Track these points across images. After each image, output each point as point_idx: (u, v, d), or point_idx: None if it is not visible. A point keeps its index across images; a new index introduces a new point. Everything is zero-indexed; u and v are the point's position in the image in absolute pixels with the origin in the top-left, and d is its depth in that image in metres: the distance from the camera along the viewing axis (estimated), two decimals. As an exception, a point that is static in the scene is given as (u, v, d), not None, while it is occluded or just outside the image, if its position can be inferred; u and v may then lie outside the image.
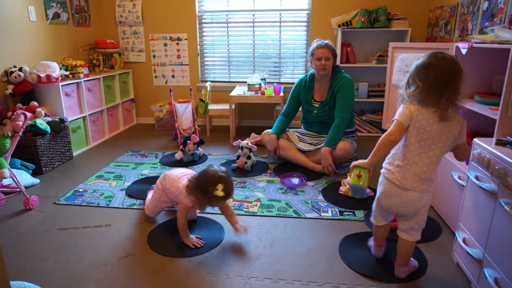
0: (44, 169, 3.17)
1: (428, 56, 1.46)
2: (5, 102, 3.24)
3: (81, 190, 2.83)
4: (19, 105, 3.31)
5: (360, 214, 2.41)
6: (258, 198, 2.66)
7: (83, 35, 4.32)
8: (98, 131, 4.11)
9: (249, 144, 3.23)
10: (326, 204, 2.56)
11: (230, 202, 2.61)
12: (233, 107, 4.17)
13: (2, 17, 3.21)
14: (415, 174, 1.51)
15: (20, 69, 3.28)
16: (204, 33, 4.69)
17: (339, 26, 4.11)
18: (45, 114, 3.29)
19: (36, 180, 2.98)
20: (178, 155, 3.46)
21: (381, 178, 1.65)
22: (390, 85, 3.32)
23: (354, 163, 1.61)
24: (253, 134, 4.02)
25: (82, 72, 3.77)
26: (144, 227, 2.29)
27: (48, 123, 3.22)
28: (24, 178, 2.90)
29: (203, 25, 4.65)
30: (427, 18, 4.04)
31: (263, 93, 3.96)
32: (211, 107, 4.38)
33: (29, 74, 3.34)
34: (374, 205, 1.78)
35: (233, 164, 3.25)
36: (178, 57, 4.71)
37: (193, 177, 1.97)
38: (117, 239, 2.15)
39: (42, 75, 3.35)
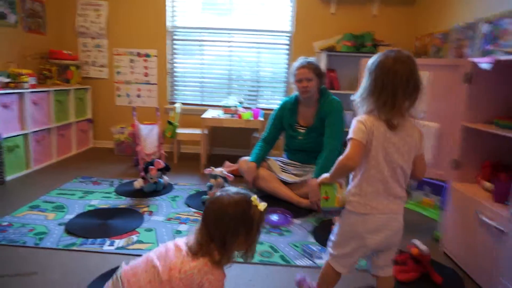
0: (-39, 195, 2.49)
1: (380, 55, 1.31)
2: None
3: (4, 223, 2.19)
4: None
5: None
6: (235, 239, 2.15)
7: (34, 42, 3.76)
8: (43, 152, 3.46)
9: (224, 172, 2.75)
10: (320, 248, 2.08)
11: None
12: (205, 131, 3.70)
13: None
14: (393, 194, 1.32)
15: None
16: (176, 51, 4.27)
17: (321, 50, 3.84)
18: (-28, 127, 2.66)
19: None
20: (138, 183, 2.89)
21: (352, 217, 1.36)
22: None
23: (317, 180, 1.44)
24: (227, 163, 3.53)
25: (28, 82, 3.19)
26: (83, 276, 1.70)
27: (-26, 138, 2.58)
28: None
29: (175, 42, 4.24)
30: (413, 47, 3.87)
31: (240, 117, 3.54)
32: (180, 131, 3.88)
33: (-44, 78, 2.73)
34: (339, 250, 1.42)
35: (204, 196, 2.73)
36: (146, 75, 4.24)
37: (212, 225, 1.21)
38: (40, 296, 1.55)
39: (-27, 80, 2.75)
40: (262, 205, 1.23)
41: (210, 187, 2.75)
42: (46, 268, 1.75)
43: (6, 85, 3.03)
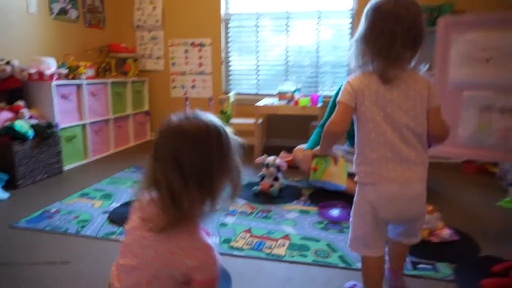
0: (20, 182, 2.54)
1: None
2: (-15, 100, 2.71)
3: (52, 210, 2.16)
4: (2, 104, 2.76)
5: (445, 269, 1.54)
6: (287, 235, 1.86)
7: (94, 36, 3.84)
8: (101, 143, 3.51)
9: (277, 161, 2.47)
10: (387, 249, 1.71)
11: (247, 237, 1.83)
12: (260, 121, 3.46)
13: (-7, 4, 2.76)
14: (405, 159, 1.13)
15: (8, 63, 2.77)
16: (230, 38, 4.10)
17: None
18: (30, 116, 2.71)
19: (5, 195, 2.35)
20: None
21: (362, 189, 1.19)
22: (445, 84, 2.14)
23: (312, 151, 1.41)
24: (282, 153, 3.25)
25: (85, 73, 3.23)
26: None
27: (32, 126, 2.63)
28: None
29: (230, 29, 4.07)
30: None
31: (296, 103, 3.23)
32: (234, 121, 3.69)
33: (19, 69, 2.82)
34: (358, 230, 1.22)
35: (256, 187, 2.48)
36: (200, 65, 4.13)
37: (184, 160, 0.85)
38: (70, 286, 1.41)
39: (32, 71, 2.82)
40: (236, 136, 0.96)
41: (262, 177, 2.50)
42: (81, 257, 1.64)
43: (65, 77, 3.09)
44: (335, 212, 2.14)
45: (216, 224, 1.98)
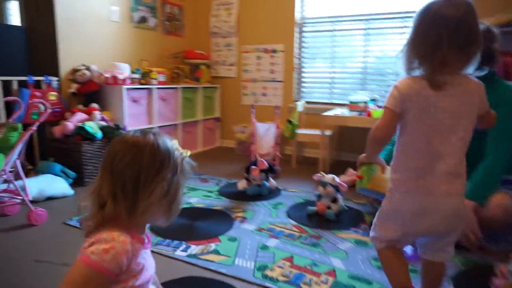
0: (86, 179, 2.68)
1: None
2: (67, 101, 2.93)
3: (104, 211, 2.19)
4: (80, 106, 2.97)
5: None
6: (333, 270, 1.58)
7: (172, 43, 3.98)
8: (168, 147, 3.58)
9: (336, 180, 2.18)
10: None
11: (286, 266, 1.60)
12: (329, 133, 3.18)
13: (79, 14, 2.99)
14: (447, 171, 1.06)
15: (88, 68, 2.97)
16: (304, 44, 3.89)
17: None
18: (102, 118, 2.86)
19: (70, 191, 2.48)
20: (241, 184, 2.60)
21: (394, 197, 1.14)
22: None
23: (358, 159, 1.35)
24: (350, 170, 2.91)
25: (156, 78, 3.33)
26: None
27: (101, 128, 2.77)
28: (57, 186, 2.43)
29: (304, 34, 3.86)
30: None
31: (369, 115, 2.87)
32: (301, 131, 3.46)
33: (97, 74, 3.01)
34: (382, 235, 1.19)
35: (310, 207, 2.22)
36: (271, 72, 3.99)
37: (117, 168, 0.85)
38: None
39: (107, 75, 2.98)
40: (185, 151, 0.93)
41: (319, 197, 2.23)
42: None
43: (137, 82, 3.22)
44: (407, 249, 1.77)
45: (257, 245, 1.79)
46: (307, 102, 3.75)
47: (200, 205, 2.34)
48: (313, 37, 3.85)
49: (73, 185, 2.60)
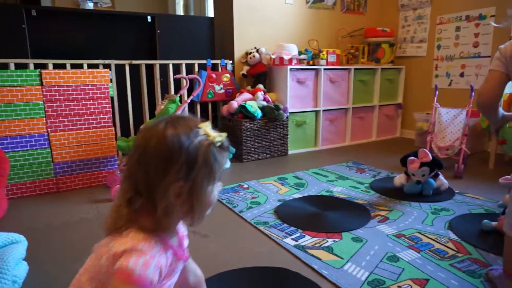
0: (244, 156, 2.81)
1: None
2: (238, 83, 3.15)
3: (244, 186, 2.23)
4: (248, 87, 3.13)
5: None
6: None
7: (349, 21, 3.68)
8: (334, 133, 3.35)
9: (535, 187, 1.44)
10: None
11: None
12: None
13: (257, 1, 3.14)
14: None
15: (257, 51, 3.10)
16: (530, 3, 2.81)
17: None
18: (264, 98, 2.93)
19: (226, 165, 2.65)
20: (399, 179, 2.11)
21: None
22: None
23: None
24: None
25: (325, 59, 3.15)
26: (234, 263, 1.36)
27: (261, 108, 2.83)
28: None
29: (530, -12, 2.79)
30: None
31: None
32: None
33: (264, 56, 3.10)
34: None
35: (487, 221, 1.57)
36: (475, 45, 3.10)
37: (135, 161, 0.71)
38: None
39: (273, 56, 3.02)
40: (216, 136, 0.71)
41: (503, 209, 1.54)
42: (220, 235, 1.56)
43: (304, 62, 3.13)
44: None
45: (385, 253, 1.38)
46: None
47: (341, 195, 2.04)
48: (546, -9, 2.73)
49: (232, 159, 2.79)
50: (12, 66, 2.28)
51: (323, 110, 3.21)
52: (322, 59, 3.14)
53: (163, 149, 0.67)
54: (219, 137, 0.72)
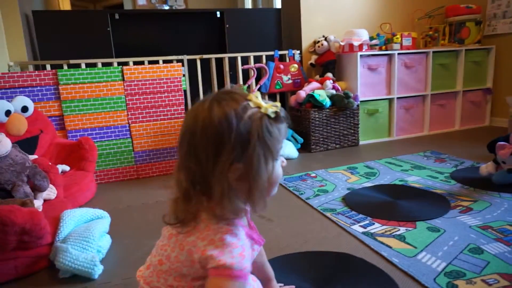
0: (313, 146, 2.76)
1: None
2: (306, 72, 3.11)
3: (312, 175, 2.19)
4: (317, 76, 3.07)
5: None
6: None
7: (428, 1, 3.38)
8: (411, 122, 3.12)
9: None
10: None
11: (494, 286, 1.05)
12: None
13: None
14: None
15: (326, 39, 3.02)
16: None
17: None
18: (333, 86, 2.84)
19: (295, 155, 2.64)
20: (486, 168, 1.89)
21: None
22: None
23: None
24: None
25: (399, 43, 2.94)
26: (293, 245, 1.35)
27: (331, 96, 2.75)
28: (286, 149, 2.64)
29: None
30: None
31: None
32: None
33: (333, 43, 3.00)
34: None
35: None
36: None
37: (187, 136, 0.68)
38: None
39: (342, 43, 2.91)
40: (269, 106, 0.65)
41: None
42: (283, 223, 1.55)
43: (376, 48, 2.97)
44: None
45: (465, 244, 1.24)
46: None
47: (416, 185, 1.89)
48: None
49: (300, 150, 2.76)
50: (99, 65, 2.53)
51: (398, 98, 3.01)
52: (395, 43, 2.94)
53: (211, 132, 0.62)
54: (272, 107, 0.65)
